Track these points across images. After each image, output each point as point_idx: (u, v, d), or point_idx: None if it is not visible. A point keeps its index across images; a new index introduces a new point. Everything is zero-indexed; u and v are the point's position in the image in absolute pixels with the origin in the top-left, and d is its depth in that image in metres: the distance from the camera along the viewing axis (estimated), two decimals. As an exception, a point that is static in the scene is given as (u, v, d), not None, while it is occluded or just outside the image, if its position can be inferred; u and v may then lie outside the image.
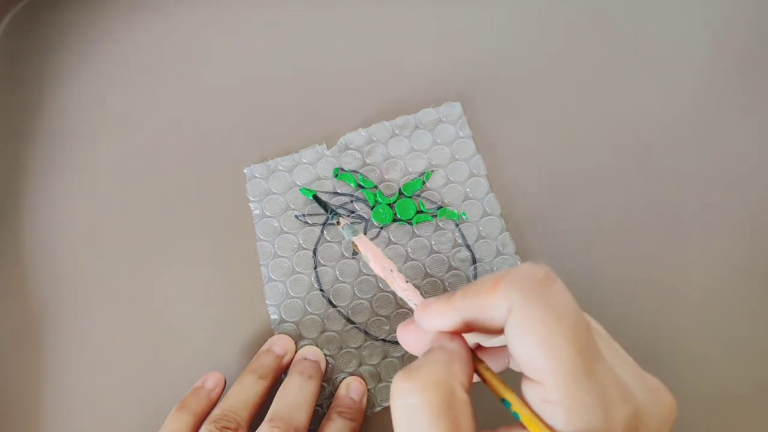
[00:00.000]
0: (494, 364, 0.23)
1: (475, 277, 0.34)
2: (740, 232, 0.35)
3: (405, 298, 0.26)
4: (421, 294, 0.33)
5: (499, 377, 0.21)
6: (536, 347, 0.18)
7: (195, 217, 0.36)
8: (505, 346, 0.23)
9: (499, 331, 0.20)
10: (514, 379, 0.21)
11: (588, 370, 0.18)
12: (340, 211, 0.35)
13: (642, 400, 0.19)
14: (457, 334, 0.21)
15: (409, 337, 0.23)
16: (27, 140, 0.38)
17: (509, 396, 0.20)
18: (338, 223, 0.30)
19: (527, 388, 0.19)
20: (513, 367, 0.23)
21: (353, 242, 0.29)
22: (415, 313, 0.23)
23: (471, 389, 0.20)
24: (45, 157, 0.38)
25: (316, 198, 0.34)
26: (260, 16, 0.40)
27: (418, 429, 0.18)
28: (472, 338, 0.22)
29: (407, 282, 0.26)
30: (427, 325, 0.22)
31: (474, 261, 0.34)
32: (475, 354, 0.21)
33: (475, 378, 0.21)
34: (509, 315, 0.19)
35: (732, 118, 0.37)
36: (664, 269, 0.34)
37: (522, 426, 0.19)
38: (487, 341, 0.23)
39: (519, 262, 0.34)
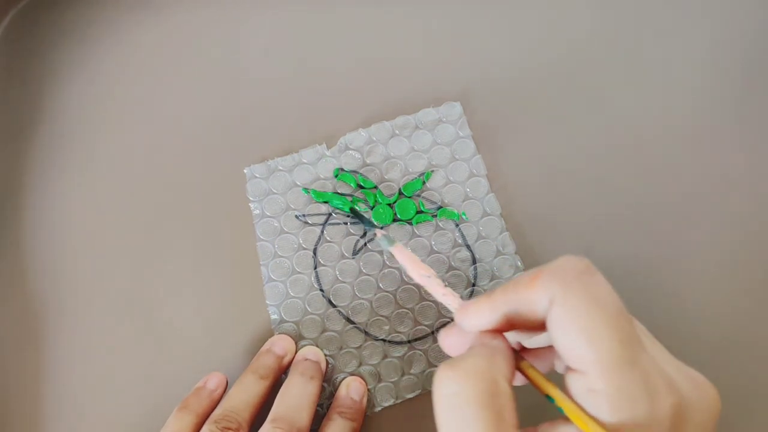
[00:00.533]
0: (538, 365, 0.24)
1: (475, 277, 0.34)
2: (740, 233, 0.35)
3: (445, 303, 0.26)
4: (419, 294, 0.33)
5: (540, 372, 0.21)
6: (579, 336, 0.18)
7: (195, 217, 0.36)
8: (548, 348, 0.23)
9: (541, 326, 0.20)
10: (556, 379, 0.21)
11: (631, 359, 0.18)
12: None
13: (686, 391, 0.19)
14: (498, 332, 0.21)
15: (451, 340, 0.23)
16: (27, 140, 0.38)
17: (553, 391, 0.20)
18: (375, 234, 0.31)
19: (571, 379, 0.19)
20: (558, 369, 0.23)
21: (391, 252, 0.29)
22: (455, 315, 0.23)
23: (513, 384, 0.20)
24: (45, 157, 0.38)
25: (353, 211, 0.34)
26: (260, 16, 0.40)
27: (462, 418, 0.18)
28: (513, 338, 0.22)
29: (446, 287, 0.26)
30: (468, 325, 0.22)
31: (474, 261, 0.34)
32: (517, 352, 0.21)
33: (520, 380, 0.21)
34: (551, 307, 0.19)
35: (732, 119, 0.37)
36: (664, 269, 0.34)
37: (566, 421, 0.19)
38: (529, 341, 0.23)
39: (519, 263, 0.34)
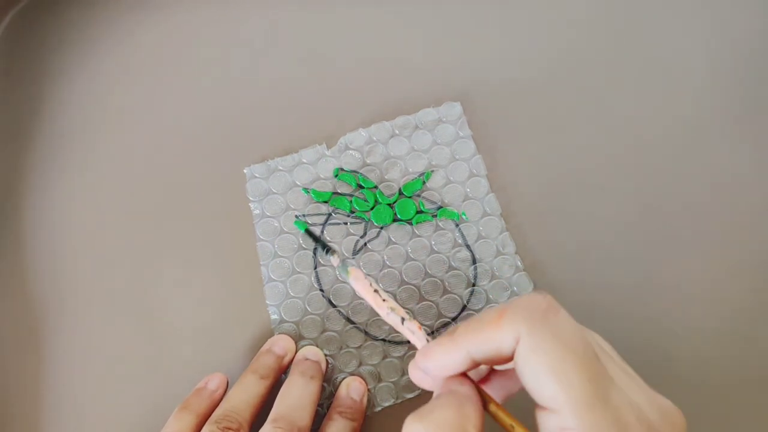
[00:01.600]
0: (508, 385, 0.24)
1: (475, 277, 0.34)
2: (741, 234, 0.35)
3: (411, 340, 0.24)
4: (419, 294, 0.33)
5: (509, 412, 0.21)
6: (548, 376, 0.18)
7: (195, 217, 0.36)
8: None
9: (507, 362, 0.20)
10: (523, 408, 0.21)
11: (602, 397, 0.18)
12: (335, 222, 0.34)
13: (656, 422, 0.19)
14: (465, 377, 0.21)
15: (420, 374, 0.23)
16: (27, 140, 0.38)
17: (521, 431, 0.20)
18: (330, 261, 0.29)
19: (542, 417, 0.19)
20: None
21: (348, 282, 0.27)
22: (418, 360, 0.22)
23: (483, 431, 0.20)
24: (45, 157, 0.37)
25: (308, 232, 0.33)
26: (260, 16, 0.40)
27: None
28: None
29: (409, 321, 0.25)
30: (433, 368, 0.22)
31: (474, 261, 0.34)
32: (483, 392, 0.21)
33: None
34: (518, 346, 0.19)
35: (733, 121, 0.37)
36: (664, 269, 0.34)
37: None
38: (499, 365, 0.23)
39: (519, 263, 0.34)
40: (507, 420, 0.21)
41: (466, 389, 0.21)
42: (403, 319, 0.25)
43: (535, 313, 0.19)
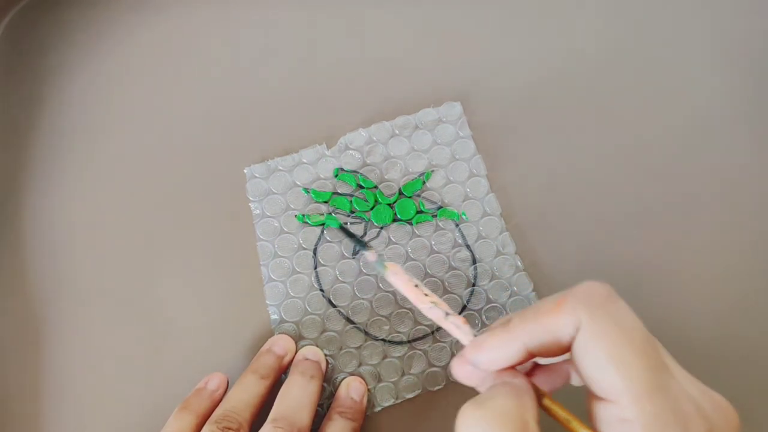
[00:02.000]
0: (553, 380, 0.23)
1: (475, 277, 0.34)
2: (741, 234, 0.35)
3: (453, 335, 0.23)
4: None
5: (564, 407, 0.20)
6: (608, 364, 0.18)
7: (195, 217, 0.36)
8: (563, 362, 0.22)
9: (563, 352, 0.20)
10: (574, 401, 0.20)
11: (662, 386, 0.18)
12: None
13: (712, 416, 0.19)
14: (515, 370, 0.21)
15: (466, 370, 0.22)
16: (27, 140, 0.38)
17: (577, 426, 0.20)
18: (364, 256, 0.29)
19: (600, 408, 0.19)
20: (573, 382, 0.23)
21: (385, 277, 0.27)
22: (469, 353, 0.21)
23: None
24: (45, 157, 0.37)
25: (343, 229, 0.33)
26: (260, 16, 0.40)
27: None
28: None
29: (452, 316, 0.24)
30: (484, 361, 0.21)
31: (474, 261, 0.34)
32: (536, 387, 0.21)
33: None
34: (577, 334, 0.19)
35: (732, 120, 0.37)
36: (664, 269, 0.34)
37: None
38: (545, 359, 0.22)
39: (519, 263, 0.34)
40: (562, 414, 0.20)
41: (522, 381, 0.20)
42: (447, 314, 0.24)
43: (596, 301, 0.19)
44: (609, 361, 0.18)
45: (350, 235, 0.32)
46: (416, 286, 0.25)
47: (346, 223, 0.35)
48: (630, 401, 0.18)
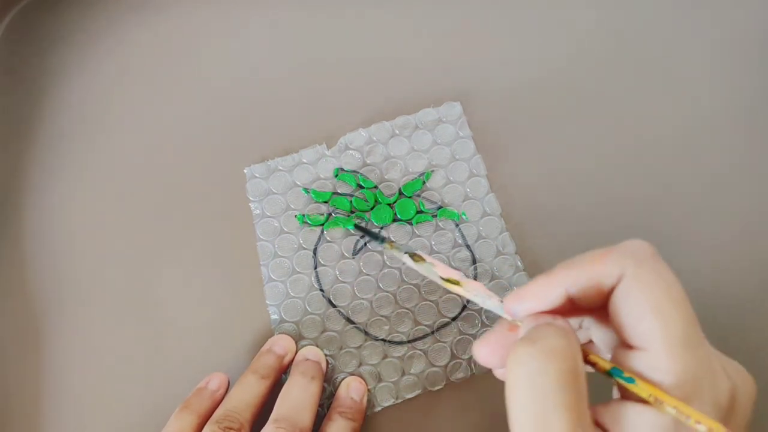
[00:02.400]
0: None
1: (476, 277, 0.34)
2: (741, 234, 0.35)
3: (486, 305, 0.23)
4: (419, 293, 0.33)
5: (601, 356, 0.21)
6: (649, 312, 0.18)
7: (195, 217, 0.36)
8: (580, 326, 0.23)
9: (602, 299, 0.20)
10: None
11: (696, 341, 0.19)
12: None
13: (734, 377, 0.20)
14: (554, 314, 0.21)
15: (488, 350, 0.22)
16: (27, 140, 0.38)
17: (613, 368, 0.19)
18: (385, 247, 0.28)
19: (630, 357, 0.19)
20: (595, 340, 0.23)
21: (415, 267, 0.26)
22: (510, 303, 0.22)
23: None
24: (45, 157, 0.38)
25: (358, 227, 0.33)
26: (260, 16, 0.40)
27: (544, 396, 0.18)
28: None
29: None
30: (524, 308, 0.21)
31: (474, 261, 0.34)
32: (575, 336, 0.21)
33: None
34: (620, 281, 0.19)
35: (733, 120, 0.37)
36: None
37: (619, 400, 0.19)
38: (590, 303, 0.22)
39: (519, 263, 0.34)
40: (598, 358, 0.20)
41: (565, 322, 0.20)
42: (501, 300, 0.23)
43: (642, 255, 0.20)
44: (650, 308, 0.18)
45: (368, 232, 0.32)
46: (453, 271, 0.25)
47: (359, 220, 0.34)
48: (664, 349, 0.18)
